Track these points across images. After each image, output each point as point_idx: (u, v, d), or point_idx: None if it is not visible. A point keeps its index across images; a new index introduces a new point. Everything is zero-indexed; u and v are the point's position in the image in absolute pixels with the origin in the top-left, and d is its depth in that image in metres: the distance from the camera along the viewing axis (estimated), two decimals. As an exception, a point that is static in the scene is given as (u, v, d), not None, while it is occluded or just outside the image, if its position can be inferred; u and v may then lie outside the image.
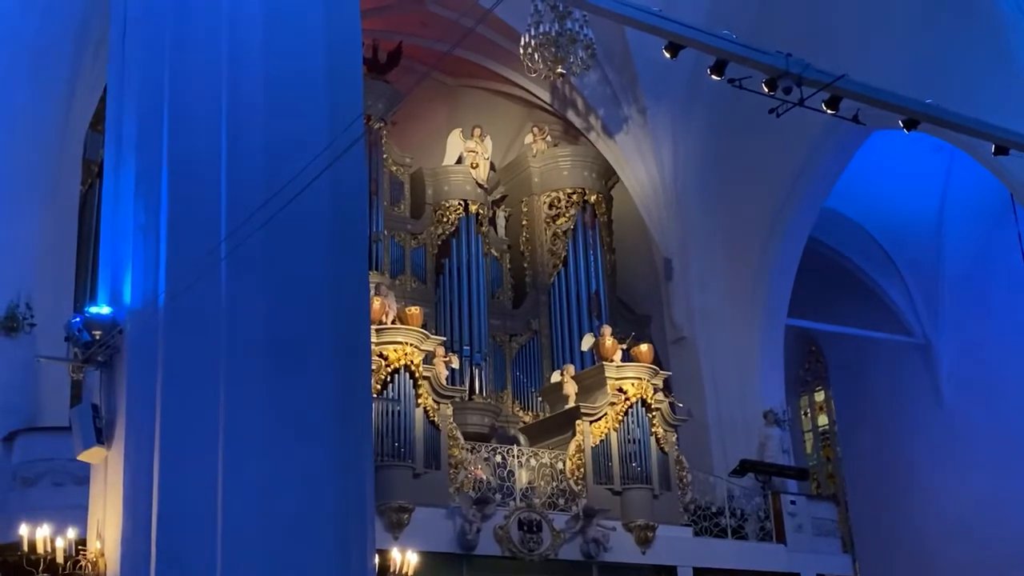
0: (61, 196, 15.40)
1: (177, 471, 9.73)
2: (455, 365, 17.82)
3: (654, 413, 16.85)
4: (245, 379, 9.95)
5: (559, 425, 17.17)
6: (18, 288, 14.61)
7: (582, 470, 16.33)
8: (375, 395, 14.47)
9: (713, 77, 10.03)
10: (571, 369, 17.97)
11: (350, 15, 11.66)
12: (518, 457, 16.29)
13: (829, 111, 10.34)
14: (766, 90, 9.93)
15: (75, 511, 11.17)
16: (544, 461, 16.43)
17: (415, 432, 14.97)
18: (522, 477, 16.15)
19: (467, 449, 15.73)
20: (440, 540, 14.76)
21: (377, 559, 11.22)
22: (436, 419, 15.24)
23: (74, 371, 14.34)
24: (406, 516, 14.47)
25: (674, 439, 17.15)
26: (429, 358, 15.58)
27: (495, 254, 20.68)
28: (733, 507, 17.58)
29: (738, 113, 18.44)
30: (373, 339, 14.28)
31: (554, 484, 16.24)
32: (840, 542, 18.61)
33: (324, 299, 10.52)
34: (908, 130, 11.00)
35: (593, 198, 20.98)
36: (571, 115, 20.83)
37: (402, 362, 15.05)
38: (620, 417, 16.58)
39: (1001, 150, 11.53)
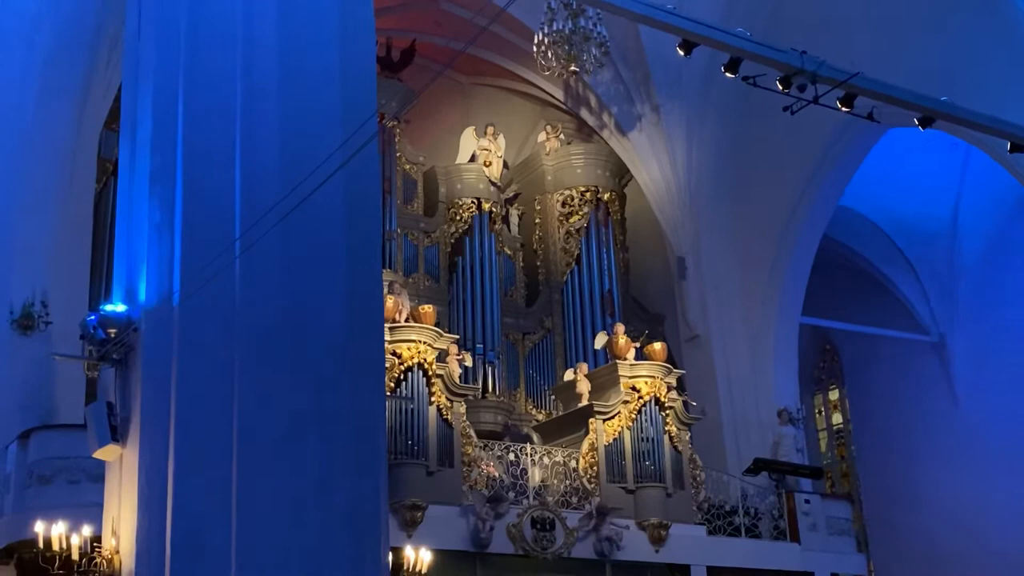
0: (76, 194, 15.47)
1: (192, 468, 9.76)
2: (468, 363, 17.83)
3: (668, 411, 16.82)
4: (259, 377, 9.99)
5: (572, 423, 17.16)
6: (33, 286, 14.69)
7: (595, 468, 16.32)
8: (388, 393, 14.49)
9: (727, 75, 9.99)
10: (584, 367, 17.96)
11: (364, 14, 11.68)
12: (531, 455, 16.28)
13: (844, 109, 10.29)
14: (780, 88, 9.89)
15: (90, 508, 11.23)
16: (557, 459, 16.42)
17: (428, 430, 14.98)
18: (535, 475, 16.14)
19: (480, 447, 15.74)
20: (453, 538, 14.76)
21: (391, 557, 11.23)
22: (449, 417, 15.25)
23: (89, 369, 14.39)
24: (419, 514, 14.48)
25: (688, 438, 17.12)
26: (442, 356, 15.59)
27: (508, 252, 20.67)
28: (747, 506, 17.53)
29: (752, 111, 18.43)
30: (387, 337, 14.30)
31: (567, 482, 16.22)
32: (854, 541, 18.55)
33: (338, 297, 10.54)
34: (923, 127, 10.94)
35: (606, 196, 20.96)
36: (584, 113, 20.81)
37: (415, 360, 15.07)
38: (633, 415, 16.56)
39: (1017, 147, 11.46)
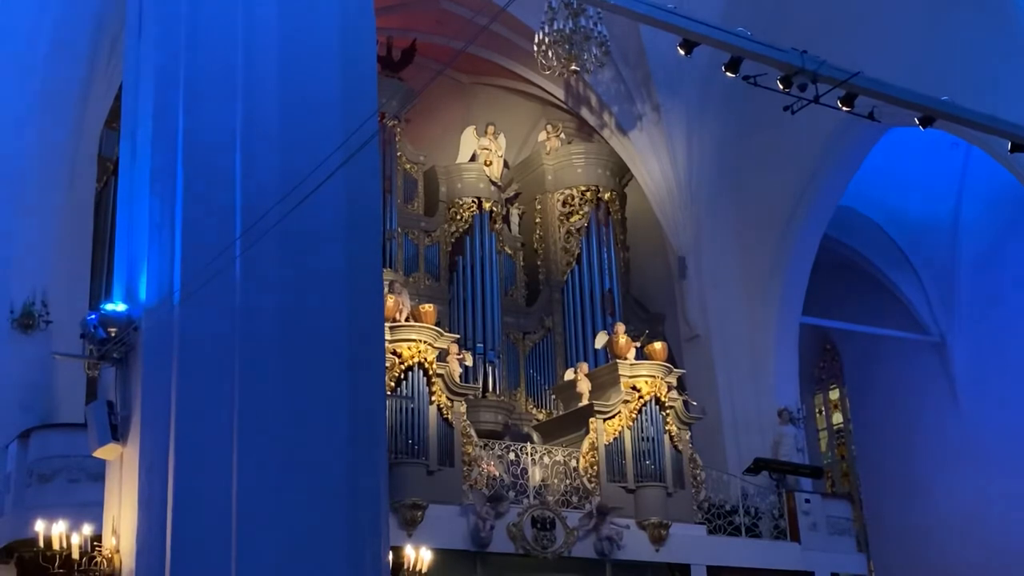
0: (77, 194, 15.47)
1: (192, 468, 9.75)
2: (469, 363, 17.83)
3: (668, 411, 16.83)
4: (259, 376, 9.98)
5: (572, 423, 17.16)
6: (34, 285, 14.69)
7: (595, 468, 16.32)
8: (389, 392, 14.49)
9: (728, 74, 9.99)
10: (584, 367, 17.96)
11: (365, 13, 11.68)
12: (531, 455, 16.29)
13: (844, 108, 10.29)
14: (781, 87, 9.88)
15: (90, 508, 11.21)
16: (557, 459, 16.43)
17: (429, 429, 14.99)
18: (535, 475, 16.14)
19: (480, 446, 15.74)
20: (454, 537, 14.77)
21: (391, 556, 11.23)
22: (450, 416, 15.26)
23: (90, 368, 14.39)
24: (420, 513, 14.49)
25: (688, 437, 17.13)
26: (443, 355, 15.59)
27: (509, 252, 20.68)
28: (747, 505, 17.54)
29: (753, 110, 18.40)
30: (387, 336, 14.30)
31: (567, 482, 16.23)
32: (855, 541, 18.56)
33: (338, 297, 10.54)
34: (924, 127, 10.93)
35: (607, 196, 20.97)
36: (585, 112, 20.81)
37: (416, 359, 15.07)
38: (634, 415, 16.57)
39: (1018, 147, 11.44)
